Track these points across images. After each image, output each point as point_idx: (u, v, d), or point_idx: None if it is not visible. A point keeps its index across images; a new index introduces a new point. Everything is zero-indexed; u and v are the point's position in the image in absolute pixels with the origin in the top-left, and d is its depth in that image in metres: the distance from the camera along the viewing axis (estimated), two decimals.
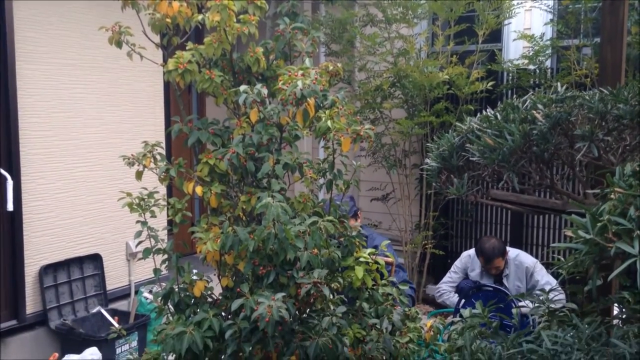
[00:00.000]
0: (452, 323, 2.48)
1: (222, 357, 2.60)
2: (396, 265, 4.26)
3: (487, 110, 2.19)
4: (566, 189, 2.13)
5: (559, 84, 2.08)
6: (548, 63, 5.75)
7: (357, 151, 5.92)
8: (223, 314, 2.58)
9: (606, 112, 1.78)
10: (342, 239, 2.73)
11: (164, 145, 2.81)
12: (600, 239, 1.15)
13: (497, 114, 2.09)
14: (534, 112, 1.95)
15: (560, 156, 2.04)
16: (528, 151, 1.96)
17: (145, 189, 2.69)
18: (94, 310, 4.32)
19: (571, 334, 1.75)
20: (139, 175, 2.65)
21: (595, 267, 1.24)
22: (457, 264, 4.74)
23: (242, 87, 2.43)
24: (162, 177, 2.67)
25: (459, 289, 4.66)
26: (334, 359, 2.53)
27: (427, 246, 5.86)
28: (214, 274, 2.78)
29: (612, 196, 1.19)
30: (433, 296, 5.30)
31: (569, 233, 1.25)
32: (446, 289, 4.72)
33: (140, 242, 2.71)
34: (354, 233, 2.73)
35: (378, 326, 2.75)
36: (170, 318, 2.70)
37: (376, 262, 2.75)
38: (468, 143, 2.16)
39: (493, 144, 1.96)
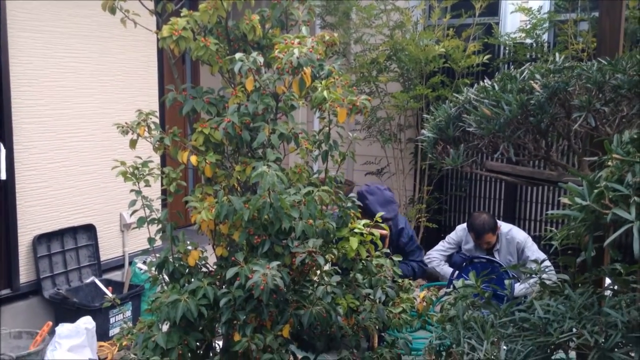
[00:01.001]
0: (445, 294, 2.49)
1: (217, 325, 2.62)
2: (415, 246, 4.33)
3: (484, 82, 2.18)
4: (561, 161, 2.12)
5: (557, 54, 2.07)
6: (545, 37, 5.71)
7: (352, 124, 5.92)
8: (217, 283, 2.59)
9: (604, 83, 1.77)
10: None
11: (158, 114, 2.78)
12: (597, 205, 1.15)
13: (495, 84, 2.08)
14: (532, 82, 1.94)
15: (557, 127, 2.03)
16: (525, 121, 1.95)
17: (140, 158, 2.68)
18: (88, 280, 4.33)
19: (563, 303, 1.76)
20: (132, 143, 2.63)
21: (590, 235, 1.25)
22: (452, 235, 4.77)
23: (238, 55, 2.40)
24: (156, 146, 2.65)
25: (452, 263, 4.70)
26: (327, 327, 2.56)
27: (420, 220, 5.88)
28: (209, 243, 2.78)
29: (610, 163, 1.19)
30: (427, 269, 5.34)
31: (565, 200, 1.25)
32: (437, 256, 4.75)
33: (134, 212, 2.70)
34: (349, 204, 2.73)
35: (372, 296, 2.77)
36: (165, 287, 2.70)
37: (371, 234, 2.76)
38: (465, 114, 2.15)
39: (490, 114, 1.96)
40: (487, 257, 4.35)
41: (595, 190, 1.17)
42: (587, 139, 2.07)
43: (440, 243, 4.86)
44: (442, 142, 2.30)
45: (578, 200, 1.19)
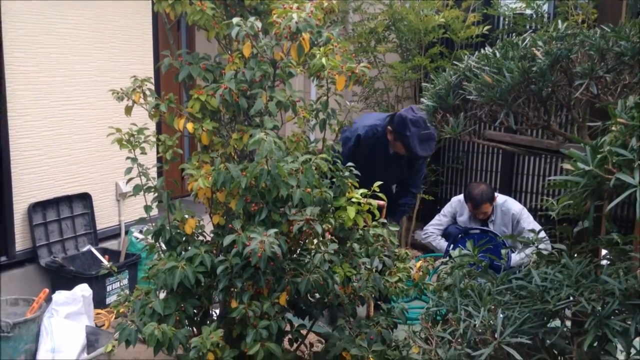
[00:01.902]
0: (442, 264, 2.50)
1: (214, 292, 2.62)
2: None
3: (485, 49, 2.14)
4: (561, 131, 2.11)
5: (560, 21, 2.03)
6: (545, 7, 5.65)
7: (349, 95, 5.87)
8: (214, 251, 2.59)
9: (607, 50, 1.74)
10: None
11: (153, 82, 2.75)
12: (600, 170, 1.14)
13: (496, 51, 2.05)
14: (534, 49, 1.91)
15: (558, 96, 2.01)
16: (526, 89, 1.93)
17: (135, 125, 2.65)
18: (84, 249, 4.33)
19: (561, 271, 1.76)
20: (128, 110, 2.60)
21: (592, 202, 1.24)
22: (447, 208, 4.77)
23: (235, 20, 2.36)
24: (152, 113, 2.62)
25: (447, 234, 4.71)
26: (324, 295, 2.57)
27: None
28: (206, 212, 2.77)
29: (614, 128, 1.18)
30: (422, 241, 5.36)
31: (567, 166, 1.24)
32: (433, 231, 4.77)
33: (130, 180, 2.68)
34: (346, 173, 2.71)
35: (368, 265, 2.78)
36: (162, 255, 2.70)
37: (368, 204, 2.75)
38: (465, 81, 2.12)
39: (491, 81, 1.93)
40: (482, 227, 4.37)
41: (599, 156, 1.16)
42: (588, 109, 2.05)
43: (436, 217, 4.87)
44: (441, 110, 2.28)
45: (581, 165, 1.18)
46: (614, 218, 5.57)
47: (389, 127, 3.76)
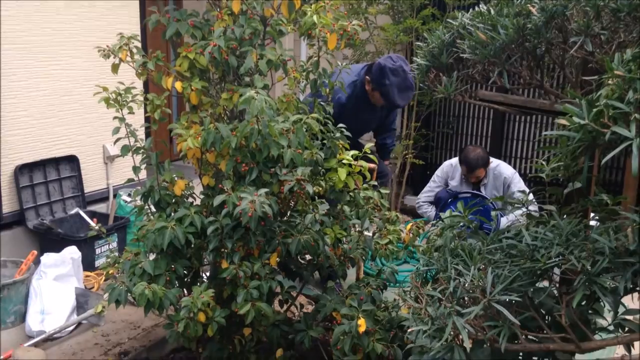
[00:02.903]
0: (432, 226, 2.50)
1: (204, 253, 2.62)
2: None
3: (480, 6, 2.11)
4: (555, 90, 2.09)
5: None
6: None
7: (340, 57, 5.80)
8: (204, 212, 2.57)
9: (603, 6, 1.71)
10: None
11: (140, 39, 2.68)
12: (595, 124, 1.12)
13: (491, 8, 2.02)
14: (529, 6, 1.88)
15: (552, 55, 1.99)
16: (520, 47, 1.90)
17: (122, 84, 2.59)
18: (72, 212, 4.29)
19: (551, 230, 1.76)
20: (115, 68, 2.55)
21: (586, 157, 1.23)
22: (438, 172, 4.76)
23: None
24: (139, 71, 2.57)
25: (437, 198, 4.71)
26: (315, 256, 2.57)
27: (407, 156, 5.87)
28: (195, 173, 2.75)
29: (610, 82, 1.16)
30: (412, 207, 5.37)
31: (562, 121, 1.22)
32: (426, 200, 4.77)
33: (118, 140, 2.64)
34: (337, 134, 2.69)
35: (359, 227, 2.78)
36: (151, 217, 2.68)
37: (359, 166, 2.73)
38: (459, 39, 2.09)
39: (485, 39, 1.90)
40: (473, 191, 4.38)
41: (594, 110, 1.15)
42: (581, 69, 2.03)
43: (427, 185, 4.85)
44: (434, 70, 2.25)
45: (576, 120, 1.16)
46: (602, 183, 5.60)
47: (367, 77, 3.68)
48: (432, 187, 4.76)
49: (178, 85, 2.48)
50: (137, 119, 2.93)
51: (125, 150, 2.63)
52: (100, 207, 4.61)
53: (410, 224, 3.06)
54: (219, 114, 2.63)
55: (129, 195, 4.41)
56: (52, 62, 4.10)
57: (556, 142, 1.48)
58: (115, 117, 2.58)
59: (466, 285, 1.77)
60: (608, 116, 1.09)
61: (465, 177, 4.52)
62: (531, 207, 2.14)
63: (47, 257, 3.45)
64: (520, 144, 6.02)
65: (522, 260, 1.76)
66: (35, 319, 3.27)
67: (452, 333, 1.70)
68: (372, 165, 3.08)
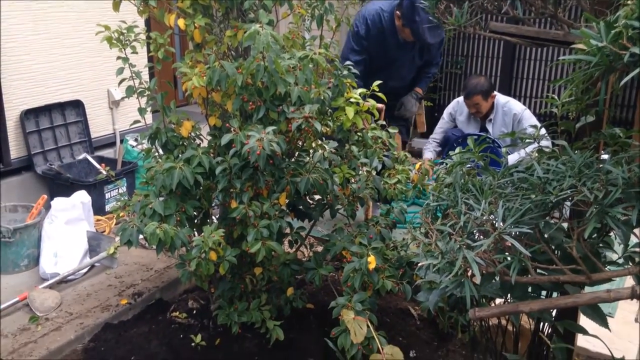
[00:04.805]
0: (441, 164, 2.47)
1: (213, 194, 2.62)
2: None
3: None
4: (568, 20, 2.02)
5: None
6: None
7: None
8: (212, 153, 2.55)
9: None
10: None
11: None
12: (614, 46, 1.08)
13: None
14: None
15: None
16: None
17: (124, 22, 2.54)
18: (80, 157, 4.30)
19: (563, 162, 1.74)
20: (116, 5, 2.49)
21: (603, 81, 1.19)
22: (446, 111, 4.72)
23: None
24: (140, 8, 2.51)
25: (445, 139, 4.68)
26: (324, 195, 2.56)
27: None
28: (202, 114, 2.72)
29: (629, 2, 1.11)
30: (419, 149, 5.34)
31: (580, 45, 1.18)
32: (435, 139, 4.74)
33: (122, 81, 2.60)
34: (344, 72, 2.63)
35: (368, 167, 2.76)
36: (159, 159, 2.67)
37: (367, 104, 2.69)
38: None
39: None
40: (481, 133, 4.33)
41: (613, 31, 1.10)
42: None
43: (436, 126, 4.81)
44: (445, 0, 2.18)
45: (593, 42, 1.12)
46: (612, 121, 5.53)
47: (397, 12, 3.64)
48: (441, 125, 4.73)
49: (181, 23, 2.42)
50: (140, 62, 2.88)
51: (129, 91, 2.60)
52: (107, 153, 4.61)
53: (419, 163, 3.04)
54: (223, 52, 2.58)
55: (136, 140, 4.41)
56: (51, 4, 4.02)
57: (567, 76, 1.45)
58: (118, 57, 2.54)
59: (477, 218, 1.76)
60: (627, 37, 1.05)
61: (466, 105, 4.46)
62: (543, 142, 2.10)
63: (58, 202, 3.47)
64: (530, 82, 5.93)
65: (533, 193, 1.74)
66: (49, 261, 3.32)
67: (462, 266, 1.71)
68: (379, 105, 3.04)
